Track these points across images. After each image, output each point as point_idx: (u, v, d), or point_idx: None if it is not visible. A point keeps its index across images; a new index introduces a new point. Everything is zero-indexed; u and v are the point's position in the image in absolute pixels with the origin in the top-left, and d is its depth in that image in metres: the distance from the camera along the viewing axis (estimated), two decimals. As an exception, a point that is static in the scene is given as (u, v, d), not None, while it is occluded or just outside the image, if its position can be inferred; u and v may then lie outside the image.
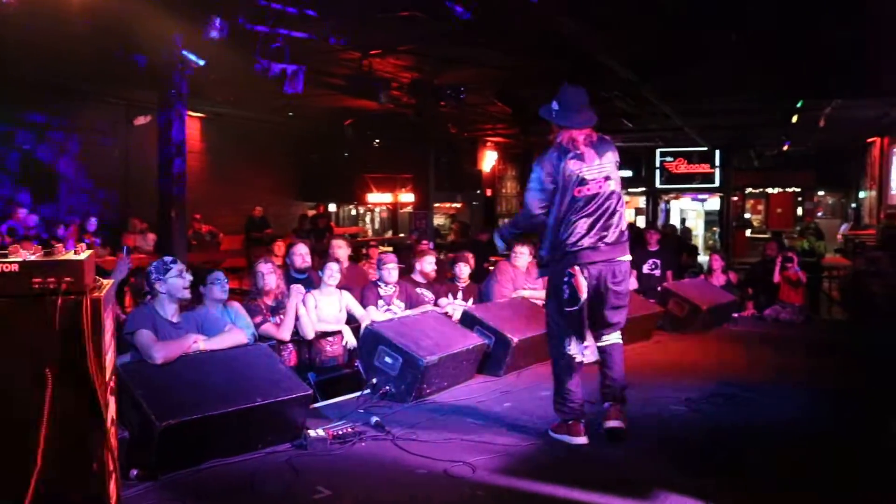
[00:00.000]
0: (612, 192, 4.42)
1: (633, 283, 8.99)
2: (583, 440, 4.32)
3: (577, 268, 4.29)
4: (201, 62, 7.64)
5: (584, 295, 4.28)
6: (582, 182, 4.35)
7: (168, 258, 4.51)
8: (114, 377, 3.07)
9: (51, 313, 2.70)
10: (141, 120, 13.78)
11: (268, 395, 4.12)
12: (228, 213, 16.27)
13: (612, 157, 4.49)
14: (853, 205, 23.99)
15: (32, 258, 2.75)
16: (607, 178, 4.41)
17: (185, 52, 7.57)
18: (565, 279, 4.32)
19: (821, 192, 28.12)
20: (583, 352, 4.45)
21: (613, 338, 4.54)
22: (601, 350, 4.54)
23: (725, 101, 13.56)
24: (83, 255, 2.80)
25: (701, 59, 9.48)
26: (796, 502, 3.58)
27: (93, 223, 12.16)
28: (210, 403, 3.92)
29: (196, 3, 7.20)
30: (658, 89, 11.52)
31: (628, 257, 4.51)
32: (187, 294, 4.42)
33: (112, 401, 2.97)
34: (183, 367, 4.14)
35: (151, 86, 8.93)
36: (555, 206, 4.38)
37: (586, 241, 4.32)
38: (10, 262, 2.70)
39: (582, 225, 4.32)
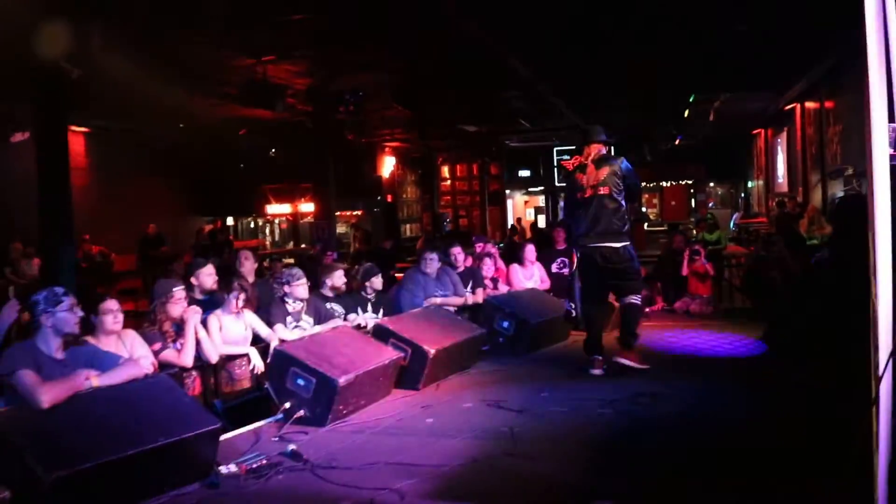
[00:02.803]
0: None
1: (545, 283, 9.02)
2: (598, 372, 5.91)
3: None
4: (77, 72, 7.11)
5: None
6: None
7: (59, 289, 4.01)
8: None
9: None
10: (18, 137, 12.89)
11: (171, 433, 3.75)
12: (120, 232, 15.47)
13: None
14: (742, 194, 24.94)
15: None
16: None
17: (62, 63, 7.02)
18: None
19: (711, 184, 29.14)
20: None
21: (628, 299, 6.04)
22: (620, 307, 6.24)
23: (618, 96, 13.76)
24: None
25: (594, 55, 9.53)
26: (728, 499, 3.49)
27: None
28: (106, 448, 3.53)
29: (75, 12, 6.68)
30: (553, 87, 11.56)
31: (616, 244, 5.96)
32: (77, 330, 3.98)
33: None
34: (73, 408, 3.70)
35: (27, 99, 8.29)
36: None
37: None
38: None
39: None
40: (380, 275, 7.48)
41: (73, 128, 14.62)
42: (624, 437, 4.43)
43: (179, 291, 5.53)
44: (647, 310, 8.73)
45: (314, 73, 9.97)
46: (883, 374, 1.96)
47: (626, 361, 5.91)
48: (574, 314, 7.56)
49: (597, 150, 6.13)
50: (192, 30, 7.80)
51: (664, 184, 27.91)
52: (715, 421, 4.65)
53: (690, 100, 13.46)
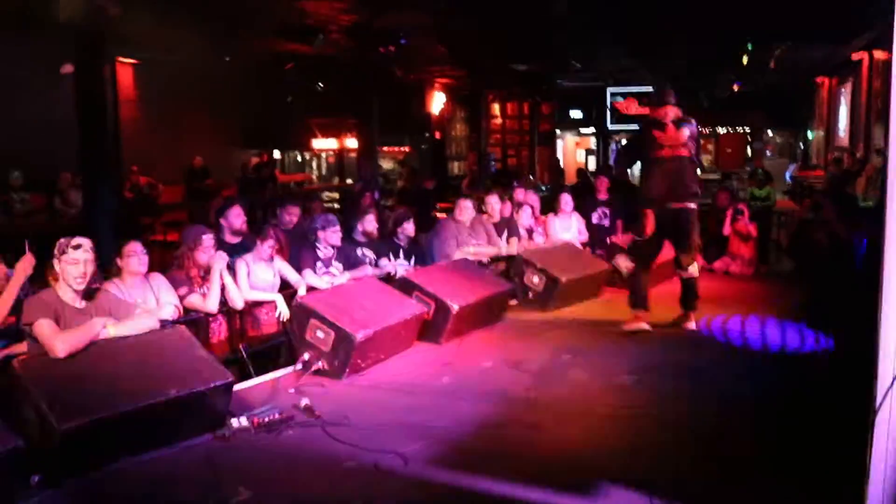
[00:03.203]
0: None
1: (582, 235, 8.87)
2: (645, 326, 6.02)
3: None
4: (115, 11, 7.05)
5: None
6: None
7: (74, 240, 4.00)
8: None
9: None
10: (68, 68, 12.97)
11: (184, 386, 3.81)
12: (168, 164, 15.60)
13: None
14: (801, 145, 24.10)
15: None
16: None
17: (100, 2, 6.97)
18: None
19: (770, 133, 28.20)
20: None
21: (688, 272, 6.19)
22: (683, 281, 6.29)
23: (676, 45, 13.27)
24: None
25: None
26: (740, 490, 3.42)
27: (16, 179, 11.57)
28: (118, 399, 3.60)
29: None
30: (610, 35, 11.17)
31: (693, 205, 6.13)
32: (79, 284, 3.96)
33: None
34: (89, 358, 3.77)
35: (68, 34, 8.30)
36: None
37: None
38: None
39: None
40: (411, 220, 7.43)
41: (122, 59, 14.67)
42: (640, 408, 4.35)
43: (208, 239, 5.53)
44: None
45: (357, 10, 9.74)
46: (880, 406, 1.82)
47: (692, 325, 6.09)
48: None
49: (675, 111, 6.09)
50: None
51: (720, 130, 27.08)
52: (739, 400, 4.50)
53: (749, 48, 12.91)
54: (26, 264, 4.19)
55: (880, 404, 1.84)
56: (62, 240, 3.99)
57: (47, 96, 13.34)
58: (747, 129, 26.41)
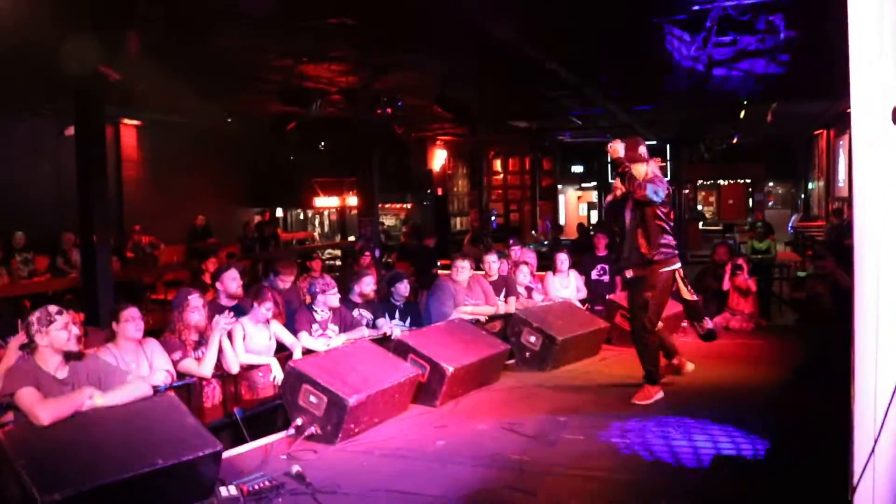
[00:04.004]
0: None
1: (581, 292, 8.84)
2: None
3: None
4: (117, 77, 7.19)
5: None
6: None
7: (53, 308, 4.02)
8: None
9: None
10: (71, 130, 13.17)
11: (170, 456, 3.75)
12: (170, 223, 15.71)
13: None
14: (802, 195, 24.17)
15: None
16: None
17: (101, 68, 7.10)
18: None
19: (771, 183, 28.33)
20: None
21: None
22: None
23: (671, 100, 13.42)
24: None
25: (641, 59, 9.28)
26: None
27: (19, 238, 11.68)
28: (103, 469, 3.55)
29: (110, 17, 6.74)
30: (601, 91, 11.31)
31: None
32: (74, 347, 3.98)
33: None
34: (74, 427, 3.73)
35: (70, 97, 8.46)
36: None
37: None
38: None
39: None
40: (405, 280, 7.45)
41: (126, 120, 14.92)
42: (634, 472, 4.27)
43: (195, 299, 5.56)
44: (685, 324, 8.50)
45: (354, 73, 9.93)
46: (859, 482, 1.75)
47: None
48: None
49: (658, 164, 5.90)
50: (231, 33, 7.83)
51: (721, 182, 27.21)
52: (737, 465, 4.42)
53: (744, 103, 13.06)
54: (18, 343, 4.20)
55: (859, 480, 1.79)
56: (38, 314, 3.98)
57: (53, 157, 13.57)
58: (748, 181, 26.52)
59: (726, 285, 8.60)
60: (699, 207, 28.57)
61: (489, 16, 6.76)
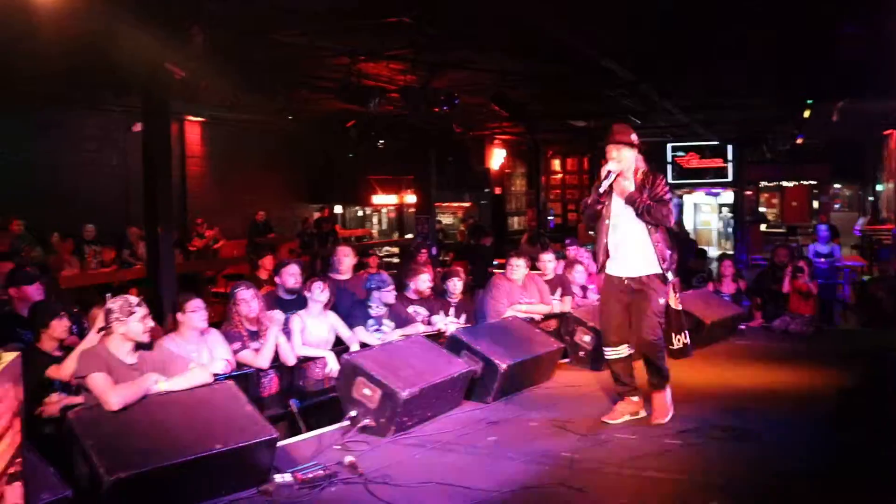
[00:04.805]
0: None
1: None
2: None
3: None
4: (182, 74, 7.40)
5: None
6: None
7: (133, 299, 4.24)
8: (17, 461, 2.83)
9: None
10: (138, 127, 13.58)
11: (228, 441, 3.89)
12: (232, 218, 16.10)
13: None
14: (870, 198, 23.46)
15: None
16: None
17: (167, 64, 7.32)
18: None
19: (837, 185, 27.53)
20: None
21: None
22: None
23: (731, 100, 13.21)
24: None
25: (704, 59, 9.15)
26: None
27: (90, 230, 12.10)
28: (165, 452, 3.70)
29: (176, 15, 6.95)
30: (659, 89, 11.18)
31: None
32: (147, 339, 4.19)
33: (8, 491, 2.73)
34: (140, 412, 3.91)
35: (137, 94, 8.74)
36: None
37: None
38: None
39: None
40: (459, 278, 7.50)
41: (190, 117, 15.32)
42: (684, 473, 4.24)
43: (241, 292, 5.69)
44: (744, 326, 8.38)
45: (412, 72, 10.01)
46: None
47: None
48: None
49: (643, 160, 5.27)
50: (292, 30, 7.98)
51: (785, 183, 26.54)
52: (791, 469, 4.35)
53: (809, 102, 12.73)
54: (97, 328, 4.43)
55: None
56: (119, 302, 4.17)
57: (121, 153, 14.03)
58: (813, 182, 25.83)
59: (786, 288, 8.44)
60: (761, 209, 27.96)
61: (548, 15, 6.76)
